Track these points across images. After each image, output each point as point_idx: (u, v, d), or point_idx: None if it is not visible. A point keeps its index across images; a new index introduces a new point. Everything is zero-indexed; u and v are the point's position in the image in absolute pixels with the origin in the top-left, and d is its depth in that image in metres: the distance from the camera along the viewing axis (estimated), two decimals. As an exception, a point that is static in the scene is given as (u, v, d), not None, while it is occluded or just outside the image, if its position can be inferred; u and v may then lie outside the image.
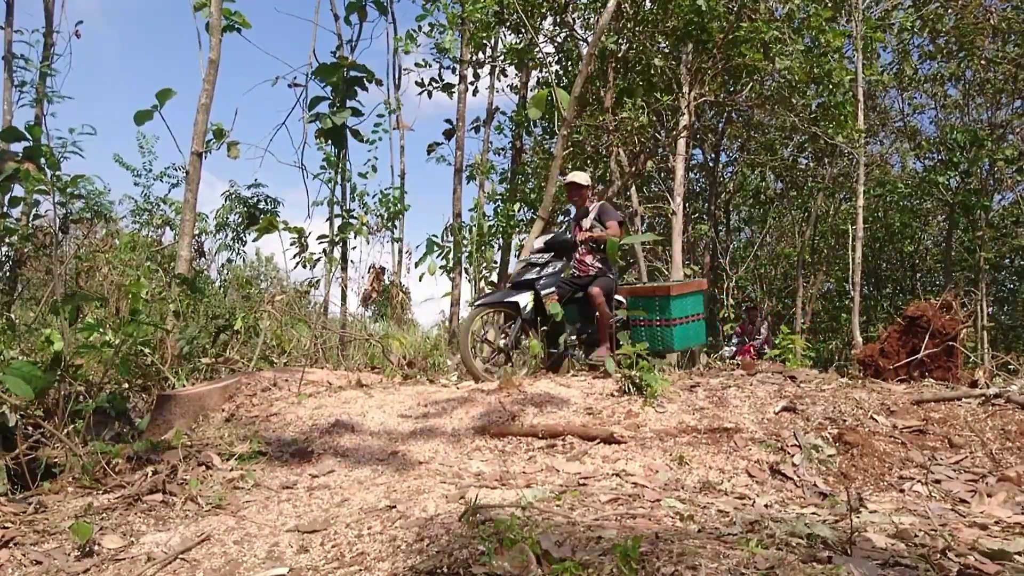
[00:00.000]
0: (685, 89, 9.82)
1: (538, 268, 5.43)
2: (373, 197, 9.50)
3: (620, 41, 9.79)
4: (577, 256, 5.52)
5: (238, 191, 10.51)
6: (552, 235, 5.72)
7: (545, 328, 5.38)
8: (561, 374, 4.98)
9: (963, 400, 3.54)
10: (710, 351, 11.13)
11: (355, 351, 7.49)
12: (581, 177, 5.70)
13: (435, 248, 9.19)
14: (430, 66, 10.95)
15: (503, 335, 5.31)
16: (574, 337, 5.52)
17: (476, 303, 5.34)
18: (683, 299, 5.68)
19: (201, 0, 5.96)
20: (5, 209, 5.26)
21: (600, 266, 5.49)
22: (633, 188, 11.19)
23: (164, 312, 5.30)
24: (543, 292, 5.27)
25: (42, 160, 3.68)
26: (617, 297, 5.72)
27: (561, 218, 13.15)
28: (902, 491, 2.73)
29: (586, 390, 3.87)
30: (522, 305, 5.23)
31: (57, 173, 3.89)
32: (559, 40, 11.20)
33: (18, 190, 4.00)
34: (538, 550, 1.80)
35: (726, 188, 16.63)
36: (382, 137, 8.66)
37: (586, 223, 5.59)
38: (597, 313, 5.33)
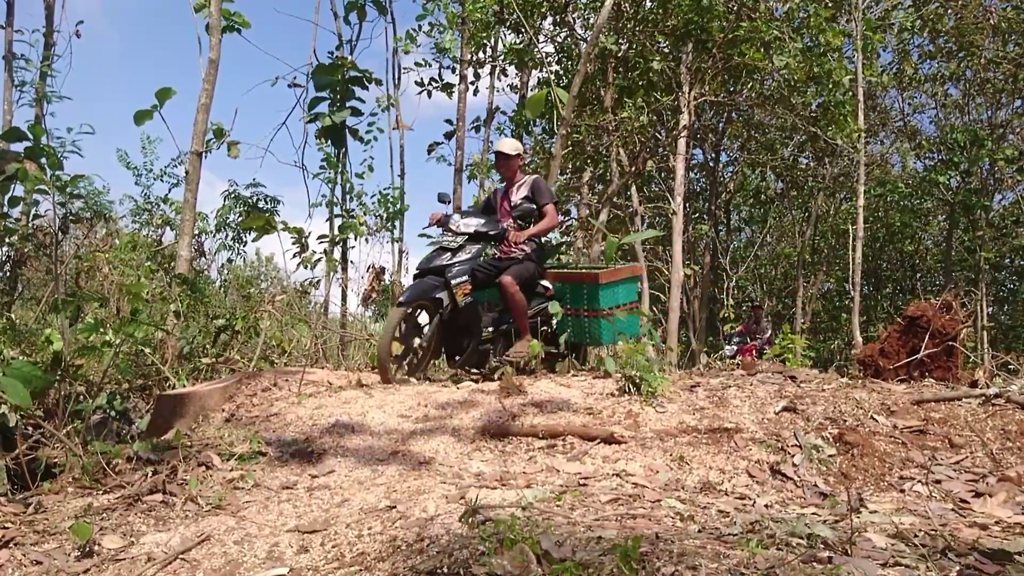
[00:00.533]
0: (685, 89, 9.83)
1: (450, 253, 4.72)
2: (372, 197, 9.50)
3: (620, 41, 9.79)
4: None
5: (237, 191, 10.53)
6: (485, 220, 4.94)
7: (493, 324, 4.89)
8: (561, 373, 4.97)
9: (963, 400, 3.54)
10: (710, 351, 11.14)
11: (355, 351, 7.49)
12: (509, 146, 5.11)
13: None
14: (430, 66, 10.96)
15: (415, 333, 4.70)
16: (491, 328, 4.93)
17: (401, 299, 4.63)
18: (613, 287, 5.06)
19: (201, 1, 5.97)
20: (5, 209, 5.26)
21: (526, 249, 4.93)
22: (633, 188, 11.20)
23: (164, 312, 5.30)
24: (453, 282, 4.62)
25: (43, 160, 3.69)
26: (544, 283, 5.17)
27: (561, 218, 13.16)
28: (902, 491, 2.73)
29: (586, 390, 3.87)
30: (446, 302, 4.64)
31: (57, 173, 3.89)
32: (559, 40, 11.20)
33: (18, 190, 4.00)
34: (538, 550, 1.80)
35: (726, 188, 16.65)
36: (377, 137, 8.63)
37: (515, 197, 5.07)
38: (509, 305, 4.79)
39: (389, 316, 4.60)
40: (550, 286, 5.15)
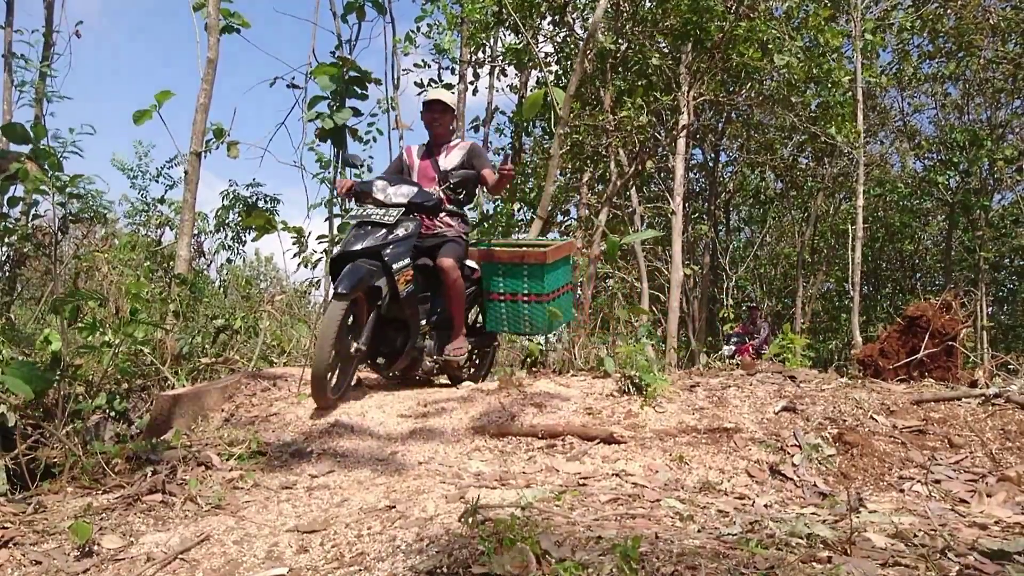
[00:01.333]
0: (684, 88, 9.83)
1: (384, 230, 3.72)
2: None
3: (619, 41, 9.79)
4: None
5: (236, 191, 10.53)
6: (417, 189, 3.93)
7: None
8: (563, 375, 4.96)
9: (963, 400, 3.54)
10: (710, 351, 11.14)
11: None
12: (448, 96, 4.34)
13: None
14: (429, 66, 10.97)
15: (350, 335, 3.69)
16: (424, 321, 4.05)
17: (339, 289, 3.49)
18: (556, 268, 4.33)
19: (199, 1, 5.97)
20: (5, 209, 5.26)
21: (454, 224, 4.23)
22: (633, 188, 11.20)
23: (164, 312, 5.30)
24: (395, 267, 3.68)
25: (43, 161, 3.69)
26: (470, 263, 4.34)
27: (561, 218, 13.17)
28: (902, 491, 2.73)
29: (586, 390, 3.87)
30: (385, 291, 3.72)
31: (57, 173, 3.89)
32: (558, 40, 11.21)
33: (18, 190, 4.00)
34: (538, 550, 1.80)
35: (726, 188, 16.66)
36: (376, 139, 8.61)
37: (445, 162, 4.27)
38: (450, 292, 4.04)
39: (328, 313, 3.49)
40: (476, 267, 4.33)
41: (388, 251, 3.67)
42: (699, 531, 2.07)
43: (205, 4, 5.86)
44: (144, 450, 3.16)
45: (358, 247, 3.65)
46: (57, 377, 3.62)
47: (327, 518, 2.46)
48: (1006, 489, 2.59)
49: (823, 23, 9.22)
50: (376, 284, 3.66)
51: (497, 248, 4.37)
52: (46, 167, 3.65)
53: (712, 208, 15.85)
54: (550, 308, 4.27)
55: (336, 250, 3.78)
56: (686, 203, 13.27)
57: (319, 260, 7.73)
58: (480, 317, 4.59)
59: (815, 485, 2.80)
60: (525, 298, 4.25)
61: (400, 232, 3.76)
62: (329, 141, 7.27)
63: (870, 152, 16.06)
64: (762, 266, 18.96)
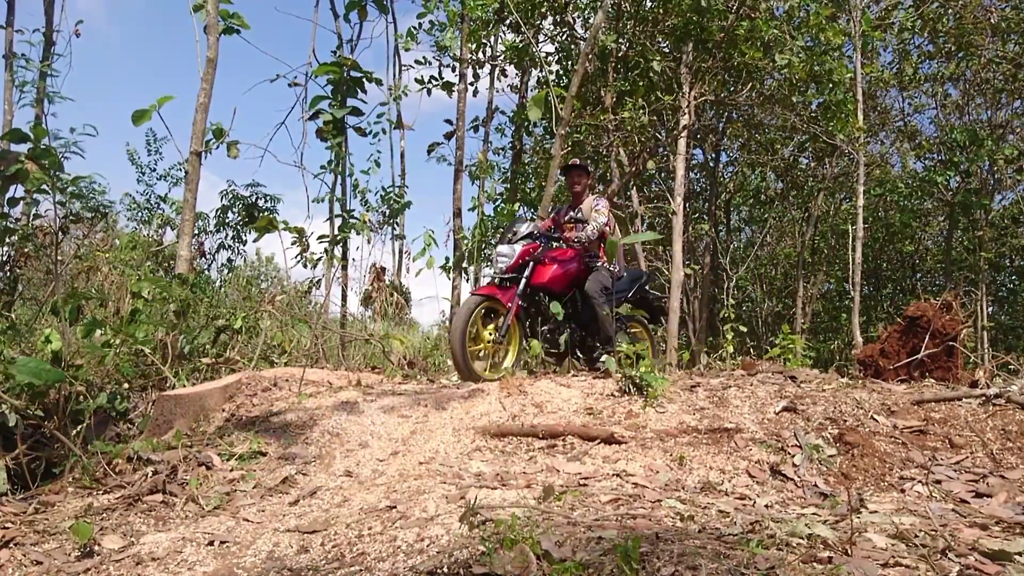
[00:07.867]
0: (685, 88, 9.82)
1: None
2: (375, 194, 9.48)
3: (620, 40, 9.79)
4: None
5: (236, 191, 10.50)
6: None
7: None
8: (561, 374, 4.96)
9: (963, 400, 3.54)
10: (710, 351, 11.12)
11: (355, 351, 7.48)
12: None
13: (433, 243, 9.13)
14: (430, 64, 10.96)
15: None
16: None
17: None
18: None
19: (199, 3, 5.95)
20: (5, 209, 5.25)
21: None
22: (633, 188, 11.19)
23: (164, 312, 5.29)
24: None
25: (44, 162, 3.68)
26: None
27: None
28: (903, 491, 2.73)
29: (586, 390, 3.87)
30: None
31: (57, 173, 3.88)
32: (559, 40, 11.21)
33: (18, 190, 3.99)
34: (538, 550, 1.80)
35: (726, 188, 16.64)
36: (386, 130, 8.58)
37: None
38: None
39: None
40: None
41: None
42: (700, 531, 2.07)
43: (204, 5, 5.85)
44: (144, 450, 3.16)
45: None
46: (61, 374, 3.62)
47: (328, 518, 2.46)
48: (1007, 489, 2.59)
49: (824, 22, 9.22)
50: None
51: None
52: (47, 166, 3.64)
53: (713, 208, 15.83)
54: None
55: None
56: (687, 203, 13.28)
57: (319, 259, 7.72)
58: None
59: (816, 485, 2.80)
60: None
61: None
62: (333, 135, 7.26)
63: (870, 152, 16.04)
64: (762, 266, 18.93)
